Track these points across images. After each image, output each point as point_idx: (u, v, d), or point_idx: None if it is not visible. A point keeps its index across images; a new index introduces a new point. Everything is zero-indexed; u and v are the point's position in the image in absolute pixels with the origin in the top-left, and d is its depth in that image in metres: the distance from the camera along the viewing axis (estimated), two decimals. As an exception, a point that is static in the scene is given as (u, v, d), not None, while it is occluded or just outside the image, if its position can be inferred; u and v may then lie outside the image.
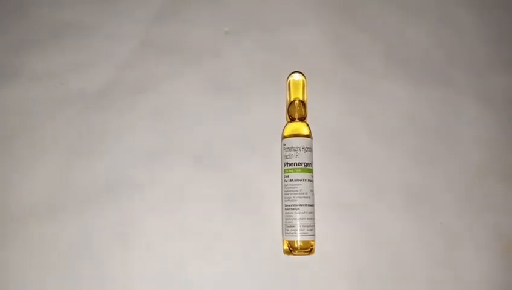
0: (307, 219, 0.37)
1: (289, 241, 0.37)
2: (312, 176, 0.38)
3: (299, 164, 0.38)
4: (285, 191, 0.38)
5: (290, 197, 0.37)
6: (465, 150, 0.43)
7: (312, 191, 0.38)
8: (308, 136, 0.39)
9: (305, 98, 0.41)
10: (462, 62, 0.46)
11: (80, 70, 0.43)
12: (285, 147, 0.39)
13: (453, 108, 0.44)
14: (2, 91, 0.42)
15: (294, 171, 0.38)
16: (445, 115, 0.44)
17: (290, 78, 0.41)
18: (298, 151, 0.38)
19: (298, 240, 0.36)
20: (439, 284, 0.39)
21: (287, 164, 0.38)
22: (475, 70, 0.46)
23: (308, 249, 0.37)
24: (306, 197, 0.37)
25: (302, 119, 0.40)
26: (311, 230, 0.37)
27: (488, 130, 0.44)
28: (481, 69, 0.46)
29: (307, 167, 0.38)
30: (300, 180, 0.37)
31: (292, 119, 0.40)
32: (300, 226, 0.37)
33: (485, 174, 0.42)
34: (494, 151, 0.43)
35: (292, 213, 0.37)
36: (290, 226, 0.37)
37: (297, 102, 0.40)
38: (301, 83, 0.41)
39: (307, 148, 0.38)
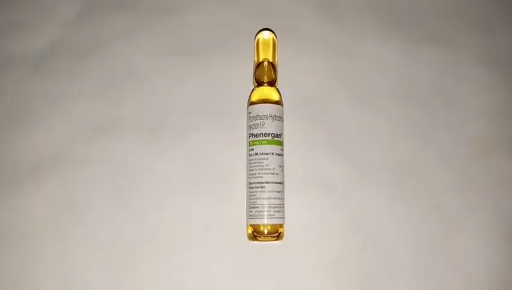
0: (274, 198, 0.31)
1: (254, 225, 0.32)
2: (282, 150, 0.33)
3: (265, 134, 0.32)
4: (249, 166, 0.33)
5: (255, 174, 0.32)
6: (464, 120, 0.38)
7: (281, 166, 0.32)
8: (278, 102, 0.34)
9: (275, 60, 0.35)
10: (460, 17, 0.40)
11: (17, 31, 0.38)
12: (251, 115, 0.33)
13: (450, 71, 0.39)
14: None
15: (260, 144, 0.32)
16: (442, 80, 0.38)
17: (259, 37, 0.36)
18: (265, 120, 0.32)
19: (264, 223, 0.31)
20: (434, 276, 0.34)
21: (252, 135, 0.33)
22: (476, 27, 0.40)
23: (275, 233, 0.32)
24: (273, 174, 0.32)
25: (272, 83, 0.34)
26: (279, 212, 0.32)
27: (491, 97, 0.38)
28: (483, 26, 0.40)
29: (276, 138, 0.32)
30: (267, 154, 0.32)
31: (260, 84, 0.34)
32: (267, 207, 0.31)
33: (488, 148, 0.37)
34: (499, 121, 0.38)
35: (257, 192, 0.31)
36: (255, 207, 0.31)
37: (265, 63, 0.34)
38: (271, 42, 0.35)
39: (276, 116, 0.33)
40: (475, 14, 0.40)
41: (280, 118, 0.33)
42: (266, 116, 0.33)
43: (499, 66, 0.39)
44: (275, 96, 0.34)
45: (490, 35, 0.40)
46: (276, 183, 0.32)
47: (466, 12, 0.40)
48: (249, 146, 0.33)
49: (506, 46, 0.40)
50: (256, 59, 0.35)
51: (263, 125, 0.32)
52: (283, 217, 0.32)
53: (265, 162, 0.32)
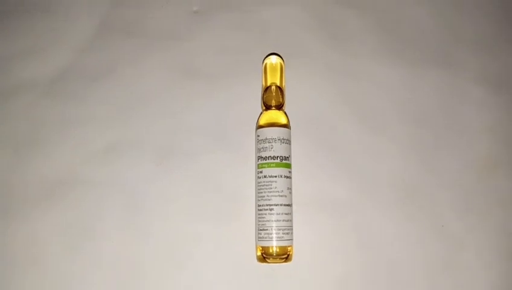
0: (283, 221, 0.32)
1: (263, 247, 0.32)
2: (290, 172, 0.33)
3: (274, 157, 0.33)
4: (258, 189, 0.33)
5: (264, 196, 0.32)
6: (468, 139, 0.38)
7: (289, 189, 0.33)
8: (286, 126, 0.34)
9: (282, 84, 0.36)
10: (464, 39, 0.41)
11: (29, 56, 0.39)
12: (259, 138, 0.34)
13: (454, 92, 0.39)
14: None
15: (268, 166, 0.33)
16: (446, 100, 0.39)
17: (266, 61, 0.37)
18: (273, 143, 0.33)
19: (273, 245, 0.32)
20: None
21: (261, 157, 0.33)
22: (480, 49, 0.41)
23: (284, 255, 0.32)
24: (282, 196, 0.32)
25: (279, 107, 0.35)
26: (287, 234, 0.32)
27: (495, 116, 0.39)
28: (486, 47, 0.41)
29: (284, 161, 0.33)
30: (276, 177, 0.33)
31: (268, 107, 0.35)
32: (276, 229, 0.32)
33: (492, 168, 0.38)
34: (501, 141, 0.38)
35: (266, 214, 0.32)
36: (264, 230, 0.32)
37: (273, 87, 0.35)
38: (278, 67, 0.36)
39: (284, 139, 0.33)
40: (477, 35, 0.41)
41: (288, 141, 0.34)
42: (274, 140, 0.33)
43: (501, 86, 0.40)
44: (283, 120, 0.35)
45: (492, 56, 0.40)
46: (284, 205, 0.32)
47: (468, 33, 0.41)
48: (258, 168, 0.34)
49: (508, 66, 0.40)
50: (264, 83, 0.36)
51: (271, 148, 0.33)
52: (292, 239, 0.32)
53: (273, 184, 0.32)
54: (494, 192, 0.37)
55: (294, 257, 0.33)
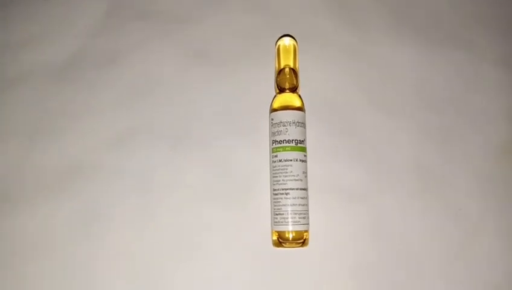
0: (299, 205, 0.31)
1: (278, 232, 0.32)
2: (305, 156, 0.33)
3: (289, 141, 0.32)
4: (273, 173, 0.33)
5: (279, 181, 0.32)
6: (486, 123, 0.37)
7: (305, 173, 0.32)
8: (300, 108, 0.34)
9: (296, 66, 0.35)
10: (481, 20, 0.40)
11: (39, 41, 0.39)
12: (273, 122, 0.33)
13: (471, 74, 0.38)
14: None
15: (283, 150, 0.32)
16: (463, 83, 0.38)
17: (279, 43, 0.36)
18: (288, 127, 0.32)
19: (289, 229, 0.31)
20: (456, 281, 0.34)
21: (275, 141, 0.33)
22: (498, 30, 0.40)
23: (300, 240, 0.32)
24: (297, 180, 0.32)
25: (293, 89, 0.34)
26: (304, 218, 0.32)
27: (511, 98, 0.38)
28: (505, 28, 0.40)
29: (299, 144, 0.32)
30: (291, 160, 0.32)
31: (281, 90, 0.34)
32: (292, 213, 0.31)
33: (509, 151, 0.37)
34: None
35: (281, 199, 0.32)
36: (279, 214, 0.31)
37: (287, 70, 0.35)
38: (292, 48, 0.35)
39: (299, 122, 0.33)
40: (493, 15, 0.40)
41: (303, 124, 0.33)
42: (289, 123, 0.33)
43: (519, 67, 0.39)
44: (297, 103, 0.34)
45: (509, 36, 0.40)
46: (300, 189, 0.32)
47: (484, 14, 0.40)
48: (272, 153, 0.33)
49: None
50: (277, 66, 0.35)
51: (286, 131, 0.32)
52: (308, 224, 0.32)
53: (289, 168, 0.32)
54: (510, 177, 0.36)
55: (310, 242, 0.32)
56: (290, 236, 0.31)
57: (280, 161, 0.32)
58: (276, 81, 0.35)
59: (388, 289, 0.33)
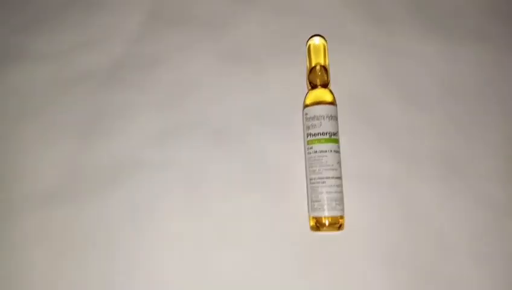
0: (335, 192, 0.34)
1: (316, 217, 0.34)
2: (338, 147, 0.35)
3: (323, 133, 0.35)
4: (309, 163, 0.35)
5: (315, 170, 0.34)
6: (507, 112, 0.39)
7: (339, 162, 0.35)
8: (332, 103, 0.36)
9: (326, 63, 0.37)
10: (501, 13, 0.41)
11: (87, 48, 0.42)
12: (307, 116, 0.36)
13: (493, 66, 0.40)
14: (8, 73, 0.41)
15: (318, 142, 0.35)
16: (485, 74, 0.40)
17: (310, 43, 0.38)
18: (322, 120, 0.35)
19: (326, 215, 0.34)
20: (484, 258, 0.35)
21: (310, 134, 0.35)
22: (518, 22, 0.41)
23: (336, 224, 0.34)
24: (333, 170, 0.34)
25: (325, 85, 0.37)
26: (339, 205, 0.34)
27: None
28: (525, 20, 0.41)
29: (332, 136, 0.35)
30: (326, 152, 0.34)
31: (314, 86, 0.37)
32: (328, 200, 0.34)
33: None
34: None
35: (318, 187, 0.34)
36: (317, 201, 0.34)
37: (318, 67, 0.37)
38: (322, 47, 0.38)
39: (331, 116, 0.35)
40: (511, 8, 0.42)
41: (335, 118, 0.36)
42: (323, 117, 0.35)
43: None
44: (329, 98, 0.36)
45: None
46: (335, 178, 0.34)
47: (505, 8, 0.41)
48: (308, 145, 0.35)
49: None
50: (308, 64, 0.38)
51: (320, 125, 0.35)
52: (343, 209, 0.34)
53: (324, 159, 0.34)
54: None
55: (346, 227, 0.35)
56: (327, 221, 0.34)
57: (315, 152, 0.35)
58: (308, 78, 0.37)
59: (419, 269, 0.35)
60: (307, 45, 0.38)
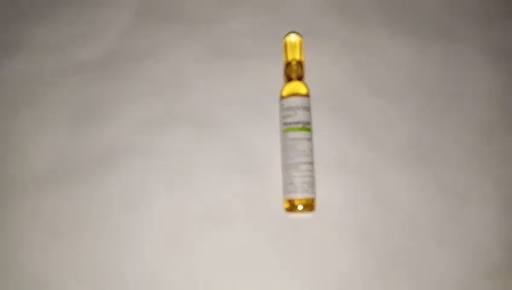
0: (307, 176, 0.37)
1: (289, 200, 0.37)
2: (311, 135, 0.38)
3: (297, 122, 0.38)
4: (284, 150, 0.38)
5: (290, 156, 0.37)
6: (472, 105, 0.42)
7: (311, 149, 0.38)
8: (306, 95, 0.39)
9: (302, 58, 0.40)
10: (465, 12, 0.44)
11: (80, 40, 0.44)
12: (284, 107, 0.39)
13: (458, 62, 0.43)
14: (3, 63, 0.43)
15: (293, 131, 0.38)
16: (450, 70, 0.43)
17: (287, 39, 0.41)
18: (296, 111, 0.38)
19: (299, 197, 0.37)
20: (448, 241, 0.39)
21: (286, 123, 0.38)
22: (480, 21, 0.44)
23: (308, 206, 0.37)
24: (305, 156, 0.37)
25: (300, 78, 0.40)
26: (311, 187, 0.37)
27: (496, 83, 0.43)
28: (486, 18, 0.44)
29: (306, 125, 0.38)
30: (299, 139, 0.37)
31: (290, 80, 0.40)
32: (301, 183, 0.37)
33: (494, 130, 0.42)
34: (503, 105, 0.42)
35: (292, 171, 0.37)
36: (291, 184, 0.37)
37: (294, 62, 0.40)
38: (298, 43, 0.41)
39: (305, 107, 0.38)
40: (476, 9, 0.44)
41: (308, 108, 0.39)
42: (298, 107, 0.38)
43: (502, 54, 0.43)
44: (304, 90, 0.39)
45: (494, 28, 0.44)
46: (307, 163, 0.37)
47: (468, 7, 0.44)
48: (283, 133, 0.38)
49: (509, 37, 0.44)
50: (285, 59, 0.41)
51: (295, 114, 0.38)
52: (314, 192, 0.37)
53: (298, 146, 0.37)
54: (495, 150, 0.41)
55: (317, 209, 0.38)
56: (299, 203, 0.37)
57: (290, 139, 0.38)
58: (285, 72, 0.40)
59: (389, 249, 0.38)
60: (284, 41, 0.41)
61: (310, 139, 0.38)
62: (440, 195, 0.40)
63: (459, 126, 0.41)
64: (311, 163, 0.38)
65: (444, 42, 0.43)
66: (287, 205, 0.38)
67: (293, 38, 0.41)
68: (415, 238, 0.38)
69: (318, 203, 0.38)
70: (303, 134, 0.38)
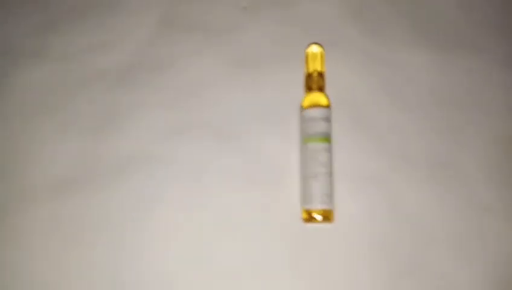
0: (326, 187, 0.37)
1: (308, 210, 0.37)
2: (330, 146, 0.38)
3: (318, 133, 0.38)
4: (304, 160, 0.38)
5: (309, 167, 0.38)
6: (492, 117, 0.42)
7: (330, 160, 0.38)
8: (327, 106, 0.39)
9: (323, 69, 0.41)
10: (487, 24, 0.44)
11: (100, 49, 0.45)
12: (304, 117, 0.39)
13: (479, 75, 0.43)
14: (25, 72, 0.44)
15: (313, 141, 0.38)
16: (472, 83, 0.42)
17: (308, 50, 0.41)
18: (317, 122, 0.38)
19: (318, 207, 0.37)
20: (466, 255, 0.38)
21: (306, 134, 0.38)
22: (501, 32, 0.44)
23: (326, 217, 0.37)
24: (324, 166, 0.37)
25: (321, 89, 0.40)
26: (329, 199, 0.37)
27: (518, 98, 0.42)
28: (508, 30, 0.44)
29: (326, 136, 0.38)
30: (319, 150, 0.38)
31: (310, 90, 0.40)
32: (320, 194, 0.37)
33: (513, 143, 0.41)
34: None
35: (311, 182, 0.37)
36: (309, 195, 0.37)
37: (315, 73, 0.40)
38: (319, 55, 0.41)
39: (326, 118, 0.38)
40: (499, 21, 0.44)
41: (329, 120, 0.39)
42: (318, 118, 0.38)
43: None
44: (324, 101, 0.39)
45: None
46: (327, 174, 0.37)
47: (489, 21, 0.44)
48: (303, 143, 0.39)
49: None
50: (306, 70, 0.41)
51: (316, 126, 0.38)
52: (333, 203, 0.37)
53: (317, 156, 0.38)
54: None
55: (336, 220, 0.38)
56: (317, 214, 0.37)
57: (310, 150, 0.38)
58: (306, 83, 0.40)
59: (404, 259, 0.38)
60: (306, 52, 0.42)
61: (329, 150, 0.38)
62: (459, 208, 0.39)
63: (479, 138, 0.41)
64: (330, 174, 0.38)
65: (465, 54, 0.43)
66: (305, 216, 0.38)
67: (314, 49, 0.41)
68: (433, 252, 0.38)
69: (336, 214, 0.38)
70: (323, 145, 0.38)
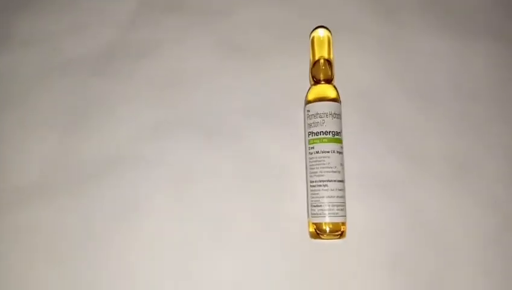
0: (337, 197, 0.32)
1: (316, 223, 0.32)
2: (342, 147, 0.33)
3: (326, 132, 0.32)
4: (310, 165, 0.33)
5: (316, 172, 0.32)
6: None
7: (342, 164, 0.32)
8: (336, 100, 0.33)
9: (331, 57, 0.35)
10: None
11: (76, 33, 0.40)
12: (309, 113, 0.33)
13: (504, 64, 0.38)
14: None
15: (320, 142, 0.32)
16: (500, 73, 0.38)
17: (314, 35, 0.36)
18: (325, 118, 0.33)
19: (326, 221, 0.31)
20: (491, 267, 0.34)
21: (312, 133, 0.33)
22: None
23: (338, 232, 0.32)
24: (335, 172, 0.32)
25: (329, 81, 0.34)
26: (341, 210, 0.32)
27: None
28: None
29: (336, 136, 0.32)
30: (328, 152, 0.32)
31: (317, 82, 0.35)
32: (329, 205, 0.31)
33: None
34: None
35: (319, 191, 0.32)
36: (317, 206, 0.32)
37: (322, 61, 0.35)
38: (326, 40, 0.35)
39: (335, 114, 0.33)
40: None
41: (339, 116, 0.33)
42: (326, 114, 0.33)
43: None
44: (333, 94, 0.34)
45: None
46: (337, 181, 0.32)
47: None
48: (309, 144, 0.33)
49: None
50: (312, 57, 0.35)
51: (323, 123, 0.32)
52: (345, 215, 0.32)
53: (326, 160, 0.32)
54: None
55: (347, 235, 0.32)
56: (327, 228, 0.31)
57: (317, 152, 0.32)
58: (311, 72, 0.35)
59: (425, 278, 0.33)
60: (311, 37, 0.36)
61: (341, 153, 0.32)
62: (483, 215, 0.35)
63: (503, 136, 0.37)
64: (342, 181, 0.32)
65: (493, 40, 0.39)
66: (312, 230, 0.32)
67: (321, 33, 0.36)
68: (453, 267, 0.34)
69: (348, 228, 0.33)
70: (332, 146, 0.32)
